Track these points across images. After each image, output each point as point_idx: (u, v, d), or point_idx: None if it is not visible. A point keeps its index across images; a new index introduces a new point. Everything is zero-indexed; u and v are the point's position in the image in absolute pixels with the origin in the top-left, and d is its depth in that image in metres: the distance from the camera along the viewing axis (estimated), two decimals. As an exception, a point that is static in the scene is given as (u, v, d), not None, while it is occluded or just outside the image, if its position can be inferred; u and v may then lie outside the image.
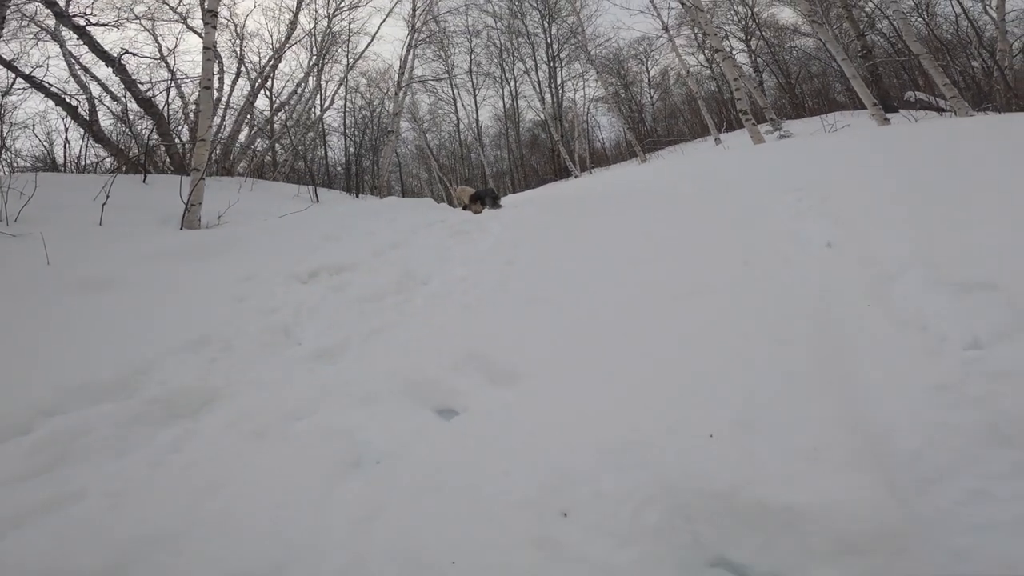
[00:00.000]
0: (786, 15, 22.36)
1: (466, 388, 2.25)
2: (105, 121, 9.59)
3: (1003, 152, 3.56)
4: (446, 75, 21.40)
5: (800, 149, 6.00)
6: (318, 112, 13.57)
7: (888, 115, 9.50)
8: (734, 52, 21.97)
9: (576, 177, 18.18)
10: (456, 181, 25.29)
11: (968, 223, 2.51)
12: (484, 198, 5.99)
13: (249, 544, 1.55)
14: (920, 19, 13.61)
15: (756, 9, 21.89)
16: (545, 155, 26.16)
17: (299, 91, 13.06)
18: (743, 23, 22.91)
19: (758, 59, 23.22)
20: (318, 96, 13.51)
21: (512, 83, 24.83)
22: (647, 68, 26.32)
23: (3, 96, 8.36)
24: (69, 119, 8.71)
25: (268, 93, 13.02)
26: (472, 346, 2.51)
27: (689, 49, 22.90)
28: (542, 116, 23.29)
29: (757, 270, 2.82)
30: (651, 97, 27.38)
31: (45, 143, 11.93)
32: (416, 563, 1.40)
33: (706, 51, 22.39)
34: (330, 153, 16.88)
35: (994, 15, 10.44)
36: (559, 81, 23.97)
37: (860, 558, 1.16)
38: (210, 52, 5.81)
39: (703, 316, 2.41)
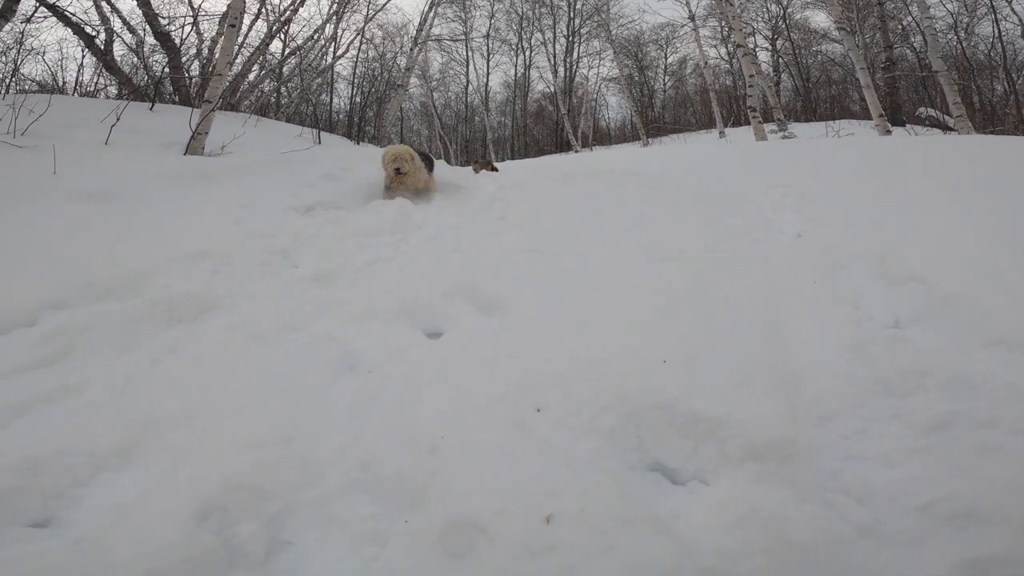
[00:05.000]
0: (819, 19, 21.99)
1: (455, 313, 2.49)
2: (119, 52, 9.76)
3: (972, 169, 3.87)
4: (463, 36, 21.07)
5: (797, 149, 6.18)
6: (330, 60, 13.43)
7: (894, 127, 9.58)
8: (757, 49, 21.66)
9: (577, 152, 18.18)
10: (455, 142, 25.25)
11: (918, 227, 2.84)
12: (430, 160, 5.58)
13: (260, 421, 1.75)
14: (955, 37, 13.33)
15: (789, 10, 21.51)
16: (549, 127, 26.09)
17: (315, 37, 12.90)
18: (773, 22, 22.54)
19: (780, 59, 22.99)
20: (332, 44, 13.37)
21: (527, 52, 24.54)
22: (666, 55, 26.07)
23: (25, 23, 8.61)
24: (85, 49, 8.85)
25: (284, 36, 12.86)
26: (462, 280, 2.74)
27: (712, 41, 22.63)
28: (552, 89, 23.13)
29: (728, 247, 3.07)
30: (664, 84, 27.19)
31: (54, 68, 11.98)
32: (409, 437, 1.66)
33: (729, 45, 22.12)
34: (335, 100, 16.75)
35: (1030, 38, 10.05)
36: (575, 56, 23.74)
37: (759, 463, 1.45)
38: (242, -8, 5.77)
39: (672, 275, 2.70)
